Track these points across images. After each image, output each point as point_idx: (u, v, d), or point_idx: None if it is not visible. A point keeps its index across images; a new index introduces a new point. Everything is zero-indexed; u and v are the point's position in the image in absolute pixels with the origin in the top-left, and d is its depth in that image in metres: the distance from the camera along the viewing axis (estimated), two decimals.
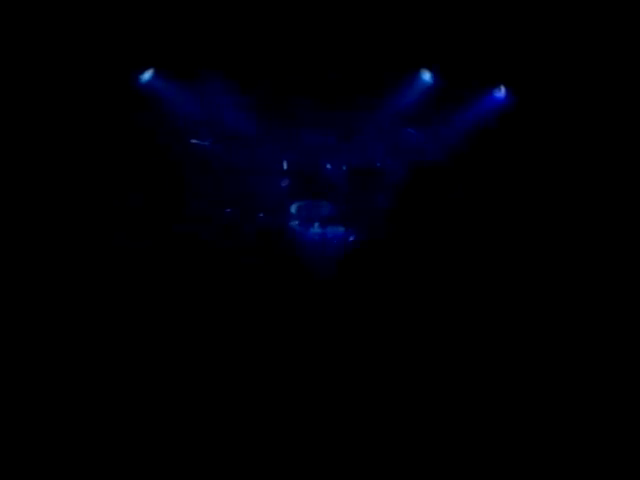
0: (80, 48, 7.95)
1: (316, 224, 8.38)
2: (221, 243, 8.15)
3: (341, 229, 8.34)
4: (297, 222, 8.40)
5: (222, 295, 7.77)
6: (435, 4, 7.98)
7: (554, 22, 8.04)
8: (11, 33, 7.77)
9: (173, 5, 8.03)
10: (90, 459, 6.46)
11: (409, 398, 7.03)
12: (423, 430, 6.82)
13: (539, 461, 6.50)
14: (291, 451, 6.68)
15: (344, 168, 8.46)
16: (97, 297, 7.64)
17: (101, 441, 6.60)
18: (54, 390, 6.97)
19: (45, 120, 8.02)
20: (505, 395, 7.01)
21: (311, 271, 8.06)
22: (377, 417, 6.91)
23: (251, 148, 8.54)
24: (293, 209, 8.39)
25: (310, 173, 8.48)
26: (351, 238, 8.23)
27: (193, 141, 8.52)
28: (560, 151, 8.20)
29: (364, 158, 8.49)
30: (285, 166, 8.55)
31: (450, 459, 6.60)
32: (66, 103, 8.04)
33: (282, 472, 6.52)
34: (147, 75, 8.33)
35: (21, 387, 6.95)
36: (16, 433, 6.55)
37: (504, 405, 6.93)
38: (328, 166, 8.50)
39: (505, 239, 8.08)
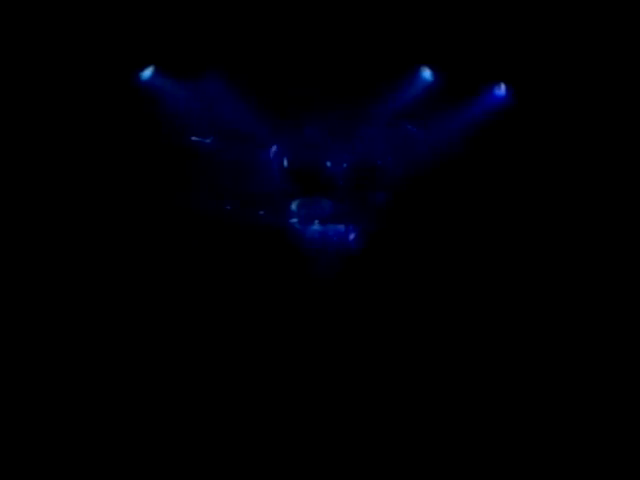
0: (80, 46, 7.94)
1: (316, 222, 8.37)
2: (221, 240, 8.16)
3: (341, 227, 8.34)
4: (297, 220, 8.39)
5: (222, 292, 7.79)
6: (435, 2, 7.98)
7: (554, 19, 8.04)
8: (12, 31, 7.77)
9: (174, 2, 8.02)
10: (90, 459, 6.50)
11: (409, 397, 7.06)
12: (422, 429, 6.85)
13: (538, 460, 6.53)
14: (291, 451, 6.71)
15: (344, 166, 8.45)
16: (97, 294, 7.67)
17: (101, 440, 6.64)
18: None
19: (45, 118, 8.02)
20: (504, 394, 7.04)
21: (311, 269, 8.07)
22: (377, 416, 6.94)
23: (251, 146, 8.53)
24: (293, 207, 8.39)
25: (310, 171, 8.47)
26: (351, 236, 8.23)
27: (193, 138, 8.51)
28: (560, 149, 8.20)
29: (364, 156, 8.48)
30: (285, 163, 8.55)
31: (450, 459, 6.63)
32: (67, 101, 8.04)
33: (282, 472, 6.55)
34: (147, 72, 8.31)
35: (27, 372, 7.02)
36: (16, 433, 6.59)
37: (503, 404, 6.96)
38: (328, 164, 8.49)
39: (505, 236, 8.09)
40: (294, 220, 8.39)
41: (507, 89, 8.34)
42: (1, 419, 6.72)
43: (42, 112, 8.01)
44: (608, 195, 8.06)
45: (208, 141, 8.54)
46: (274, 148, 8.44)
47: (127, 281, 7.77)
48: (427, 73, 8.39)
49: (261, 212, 8.44)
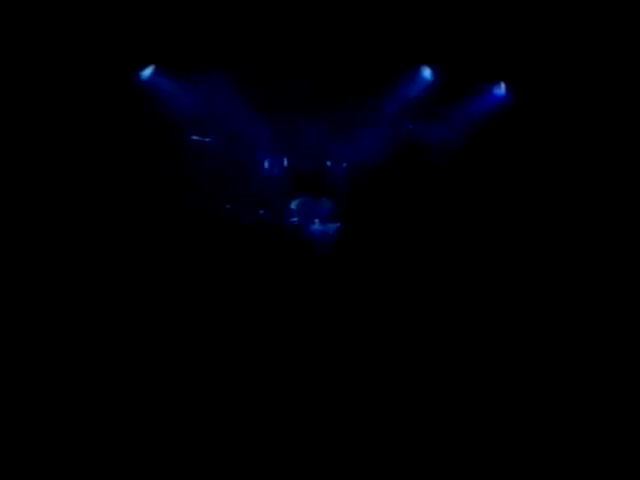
0: (81, 45, 7.94)
1: (316, 221, 8.38)
2: (221, 240, 8.17)
3: (342, 225, 8.35)
4: (297, 219, 8.40)
5: (222, 291, 7.79)
6: (436, 1, 7.98)
7: (554, 18, 8.04)
8: (13, 30, 7.77)
9: (174, 2, 8.02)
10: (90, 459, 6.51)
11: (408, 389, 7.08)
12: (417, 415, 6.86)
13: (539, 461, 6.54)
14: (289, 440, 6.72)
15: (344, 165, 8.46)
16: (97, 294, 7.67)
17: (101, 442, 6.65)
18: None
19: (46, 117, 8.03)
20: (501, 391, 7.05)
21: (311, 267, 8.08)
22: (376, 409, 6.96)
23: (251, 145, 8.54)
24: (293, 206, 8.40)
25: (310, 170, 8.48)
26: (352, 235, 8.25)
27: (194, 137, 8.52)
28: (559, 148, 8.20)
29: (364, 155, 8.49)
30: (285, 163, 8.56)
31: (448, 456, 6.64)
32: (67, 100, 8.04)
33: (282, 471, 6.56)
34: (148, 71, 8.32)
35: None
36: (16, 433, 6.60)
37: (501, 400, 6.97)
38: (328, 163, 8.50)
39: (504, 235, 8.10)
40: (294, 219, 8.40)
41: (507, 88, 8.34)
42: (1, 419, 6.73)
43: (43, 111, 8.00)
44: (607, 194, 8.06)
45: (208, 140, 8.54)
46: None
47: (127, 280, 7.78)
48: (427, 72, 8.40)
49: (261, 211, 8.45)
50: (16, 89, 7.94)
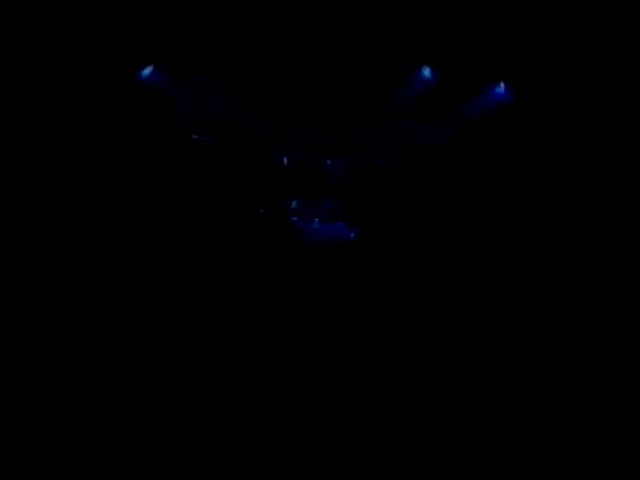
0: (81, 44, 7.94)
1: (316, 220, 8.38)
2: (221, 238, 8.17)
3: (341, 225, 8.36)
4: (297, 218, 8.41)
5: (222, 291, 7.80)
6: (436, 2, 7.98)
7: (555, 18, 8.04)
8: (14, 30, 7.77)
9: (174, 1, 8.02)
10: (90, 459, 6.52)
11: (408, 390, 7.09)
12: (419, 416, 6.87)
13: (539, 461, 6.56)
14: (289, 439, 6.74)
15: (344, 165, 8.47)
16: (97, 292, 7.68)
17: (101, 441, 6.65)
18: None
19: (46, 116, 8.02)
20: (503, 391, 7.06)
21: (311, 266, 8.09)
22: (376, 412, 6.97)
23: (252, 144, 8.54)
24: (294, 205, 8.41)
25: (311, 169, 8.49)
26: (352, 234, 8.25)
27: (193, 137, 8.51)
28: (559, 147, 8.21)
29: (364, 154, 8.50)
30: (285, 162, 8.56)
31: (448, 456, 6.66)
32: (67, 99, 8.04)
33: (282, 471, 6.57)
34: (147, 71, 8.31)
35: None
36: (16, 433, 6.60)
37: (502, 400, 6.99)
38: (328, 162, 8.51)
39: (503, 234, 8.11)
40: (294, 218, 8.40)
41: (507, 88, 8.34)
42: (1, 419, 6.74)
43: (42, 110, 8.00)
44: (607, 193, 8.07)
45: (208, 139, 8.54)
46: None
47: (127, 280, 7.78)
48: (427, 72, 8.40)
49: (261, 211, 8.45)
50: (17, 89, 7.93)
